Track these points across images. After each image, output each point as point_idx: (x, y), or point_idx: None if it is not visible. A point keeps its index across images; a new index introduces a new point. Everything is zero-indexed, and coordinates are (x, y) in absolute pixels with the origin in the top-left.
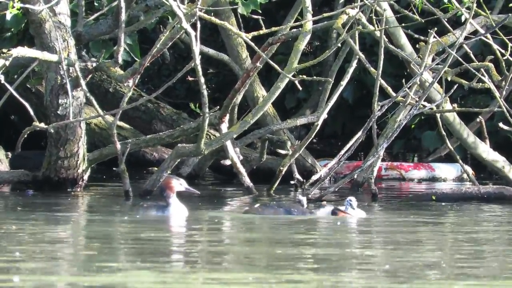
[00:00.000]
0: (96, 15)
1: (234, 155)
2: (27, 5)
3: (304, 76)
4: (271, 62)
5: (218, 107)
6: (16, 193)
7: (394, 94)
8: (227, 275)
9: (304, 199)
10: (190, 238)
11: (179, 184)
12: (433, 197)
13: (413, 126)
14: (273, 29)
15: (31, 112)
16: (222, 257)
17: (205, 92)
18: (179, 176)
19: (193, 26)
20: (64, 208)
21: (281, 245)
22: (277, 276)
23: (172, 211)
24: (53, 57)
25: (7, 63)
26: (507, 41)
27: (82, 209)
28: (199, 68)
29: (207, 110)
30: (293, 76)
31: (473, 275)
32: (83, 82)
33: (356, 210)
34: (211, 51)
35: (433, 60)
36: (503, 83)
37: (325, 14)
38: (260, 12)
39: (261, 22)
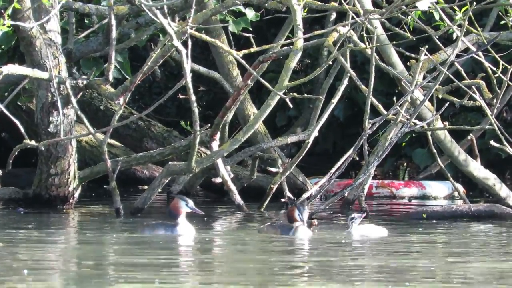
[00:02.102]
0: (86, 32)
1: (225, 173)
2: (17, 23)
3: (295, 94)
4: (262, 80)
5: (209, 125)
6: (7, 211)
7: (385, 112)
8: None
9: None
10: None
11: (184, 205)
12: (424, 215)
13: (404, 143)
14: (264, 47)
15: (22, 130)
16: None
17: (196, 110)
18: (171, 194)
19: (184, 43)
20: (55, 225)
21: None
22: None
23: (180, 230)
24: (44, 75)
25: None
26: (498, 58)
27: (73, 227)
28: (190, 86)
29: (198, 128)
30: (284, 93)
31: None
32: (73, 100)
33: (365, 227)
34: (202, 69)
35: (424, 77)
36: (494, 100)
37: (316, 32)
38: (251, 30)
39: (252, 40)
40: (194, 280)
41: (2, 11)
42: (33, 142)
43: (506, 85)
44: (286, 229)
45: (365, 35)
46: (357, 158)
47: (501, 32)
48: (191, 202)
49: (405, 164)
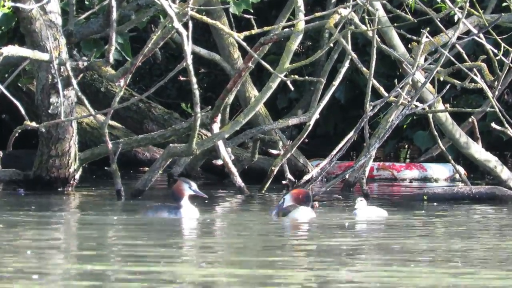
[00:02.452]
0: (87, 14)
1: (226, 155)
2: (17, 4)
3: (296, 76)
4: (263, 62)
5: (209, 107)
6: (7, 192)
7: (386, 94)
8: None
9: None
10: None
11: (188, 188)
12: (425, 197)
13: (405, 126)
14: (265, 28)
15: (22, 111)
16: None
17: (197, 92)
18: (172, 176)
19: (185, 25)
20: (56, 207)
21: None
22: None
23: (184, 213)
24: (44, 56)
25: None
26: (500, 41)
27: (73, 209)
28: (191, 67)
29: (198, 110)
30: (285, 76)
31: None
32: (74, 81)
33: (368, 209)
34: (202, 51)
35: (425, 60)
36: (496, 83)
37: (317, 14)
38: (252, 11)
39: (253, 21)
40: (196, 261)
41: None
42: (33, 124)
43: (507, 67)
44: (285, 210)
45: (366, 17)
46: (358, 140)
47: (503, 14)
48: (194, 185)
49: (406, 146)
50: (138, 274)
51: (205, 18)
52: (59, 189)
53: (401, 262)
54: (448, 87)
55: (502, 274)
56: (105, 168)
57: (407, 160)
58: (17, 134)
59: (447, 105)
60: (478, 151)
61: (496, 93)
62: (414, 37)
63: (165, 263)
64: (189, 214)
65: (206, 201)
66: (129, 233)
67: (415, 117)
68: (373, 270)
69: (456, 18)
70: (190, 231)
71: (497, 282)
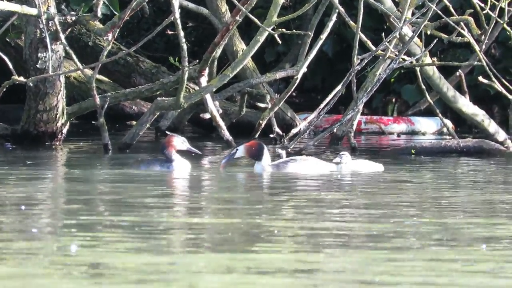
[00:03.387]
0: None
1: (214, 108)
2: None
3: (284, 30)
4: (251, 16)
5: (197, 60)
6: None
7: (373, 48)
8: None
9: (283, 153)
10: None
11: (180, 143)
12: (413, 151)
13: (392, 80)
14: None
15: (10, 66)
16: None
17: (185, 46)
18: (160, 130)
19: None
20: (43, 161)
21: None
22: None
23: (176, 166)
24: (33, 11)
25: None
26: None
27: (61, 163)
28: (179, 21)
29: (186, 63)
30: (273, 29)
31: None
32: (62, 36)
33: (357, 162)
34: (190, 5)
35: (412, 14)
36: (483, 37)
37: None
38: None
39: None
40: (186, 212)
41: None
42: (21, 78)
43: (494, 21)
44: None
45: None
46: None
47: None
48: (186, 141)
49: (394, 100)
50: (128, 223)
51: None
52: (46, 143)
53: (392, 216)
54: (435, 41)
55: (488, 223)
56: (93, 122)
57: (395, 114)
58: (5, 89)
59: (435, 59)
60: (465, 104)
61: (483, 47)
62: None
63: (155, 213)
64: (181, 168)
65: (193, 155)
66: (118, 187)
67: (402, 71)
68: (360, 222)
69: None
70: (181, 183)
71: (484, 231)
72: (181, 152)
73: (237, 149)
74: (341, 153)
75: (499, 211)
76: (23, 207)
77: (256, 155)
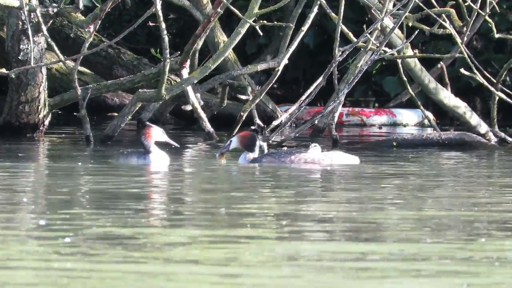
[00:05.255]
0: None
1: (195, 100)
2: None
3: (265, 22)
4: (232, 8)
5: (179, 52)
6: None
7: (355, 40)
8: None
9: (265, 145)
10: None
11: (160, 134)
12: (394, 143)
13: (374, 71)
14: None
15: None
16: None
17: (166, 38)
18: (141, 122)
19: None
20: (25, 153)
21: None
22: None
23: (153, 158)
24: (15, 3)
25: None
26: None
27: (43, 155)
28: (160, 13)
29: (168, 55)
30: (254, 21)
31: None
32: (44, 28)
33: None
34: None
35: (394, 5)
36: (465, 28)
37: None
38: None
39: None
40: (165, 210)
41: None
42: (3, 70)
43: (476, 13)
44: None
45: None
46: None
47: None
48: (164, 133)
49: (375, 91)
50: (108, 216)
51: None
52: (28, 135)
53: (374, 209)
54: (416, 32)
55: (470, 214)
56: (74, 113)
57: (376, 106)
58: None
59: (416, 51)
60: (447, 96)
61: (465, 39)
62: None
63: (134, 204)
64: (158, 160)
65: (173, 146)
66: (99, 180)
67: (384, 63)
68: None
69: None
70: (158, 178)
71: (464, 224)
72: (159, 144)
73: (231, 141)
74: (312, 144)
75: (479, 205)
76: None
77: (249, 146)
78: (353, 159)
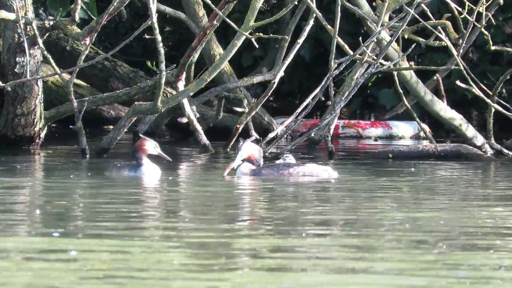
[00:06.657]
0: None
1: (191, 113)
2: None
3: (261, 34)
4: (228, 20)
5: (175, 65)
6: None
7: (351, 52)
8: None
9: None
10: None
11: (152, 147)
12: (390, 155)
13: (370, 84)
14: None
15: None
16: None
17: (162, 50)
18: (137, 134)
19: None
20: (21, 166)
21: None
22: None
23: (144, 171)
24: (11, 16)
25: None
26: None
27: (39, 167)
28: (156, 26)
29: (163, 68)
30: (250, 34)
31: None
32: (40, 41)
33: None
34: (168, 9)
35: (390, 18)
36: (460, 41)
37: None
38: None
39: None
40: (160, 216)
41: None
42: None
43: (471, 25)
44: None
45: None
46: (323, 99)
47: None
48: (158, 146)
49: (371, 104)
50: (105, 229)
51: None
52: (24, 147)
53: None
54: (413, 45)
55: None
56: (70, 126)
57: (372, 118)
58: None
59: (412, 63)
60: (443, 109)
61: (461, 51)
62: None
63: (130, 220)
64: (149, 172)
65: (165, 162)
66: (94, 193)
67: (380, 75)
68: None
69: None
70: (151, 190)
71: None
72: (152, 158)
73: (241, 159)
74: (284, 155)
75: (475, 218)
76: None
77: (257, 159)
78: (327, 171)
